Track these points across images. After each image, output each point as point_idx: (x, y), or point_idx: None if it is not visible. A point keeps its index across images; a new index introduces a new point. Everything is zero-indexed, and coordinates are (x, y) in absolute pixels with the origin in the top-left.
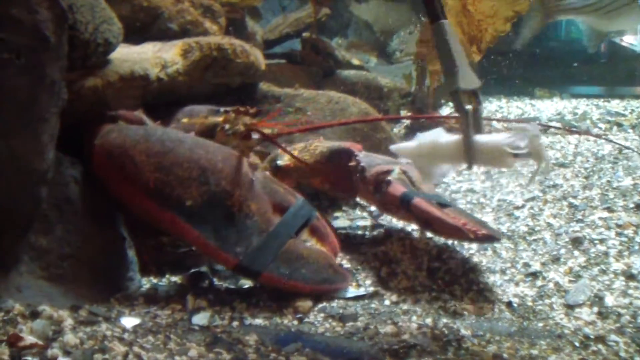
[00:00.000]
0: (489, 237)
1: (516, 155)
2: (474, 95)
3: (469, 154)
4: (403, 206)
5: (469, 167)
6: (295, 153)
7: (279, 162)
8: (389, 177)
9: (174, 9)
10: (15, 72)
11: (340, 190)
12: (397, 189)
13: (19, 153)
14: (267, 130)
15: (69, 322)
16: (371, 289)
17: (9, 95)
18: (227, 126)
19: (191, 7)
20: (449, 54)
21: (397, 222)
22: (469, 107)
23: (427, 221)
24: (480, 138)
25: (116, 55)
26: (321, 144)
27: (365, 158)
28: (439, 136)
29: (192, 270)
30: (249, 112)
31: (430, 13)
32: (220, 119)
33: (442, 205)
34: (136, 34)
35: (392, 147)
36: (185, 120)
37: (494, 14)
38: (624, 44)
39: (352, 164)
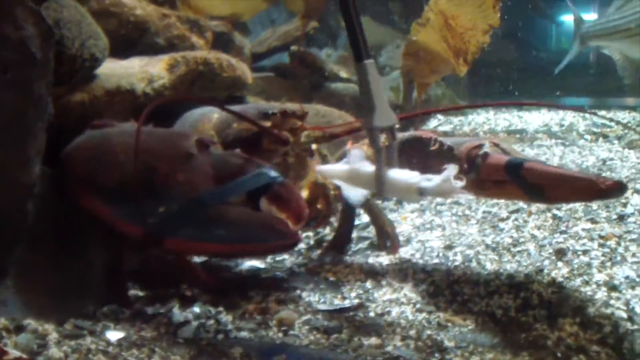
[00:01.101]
0: (619, 186)
1: (422, 194)
2: (389, 132)
3: (380, 186)
4: (510, 175)
5: (380, 196)
6: (364, 148)
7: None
8: (484, 150)
9: (160, 23)
10: (1, 88)
11: None
12: (499, 158)
13: (5, 167)
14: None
15: (53, 335)
16: (356, 301)
17: None
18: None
19: (178, 22)
20: (369, 92)
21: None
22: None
23: (542, 187)
24: (393, 173)
25: (103, 70)
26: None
27: (448, 140)
28: (363, 164)
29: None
30: (297, 114)
31: (355, 53)
32: (267, 123)
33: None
34: (123, 48)
35: (321, 168)
36: (235, 125)
37: (473, 26)
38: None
39: (435, 147)
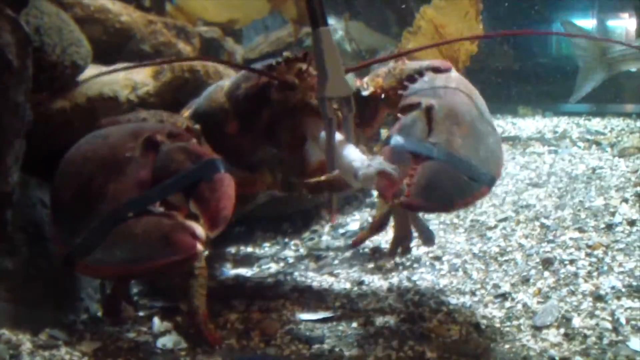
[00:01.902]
0: (415, 206)
1: (356, 179)
2: (345, 103)
3: (329, 159)
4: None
5: (329, 171)
6: (380, 81)
7: (364, 93)
8: (402, 115)
9: (146, 30)
10: None
11: None
12: (392, 132)
13: None
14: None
15: (27, 346)
16: (340, 310)
17: None
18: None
19: (164, 29)
20: (321, 61)
21: (369, 243)
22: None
23: None
24: (343, 148)
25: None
26: (406, 66)
27: (419, 85)
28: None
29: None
30: (299, 57)
31: (310, 20)
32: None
33: (426, 157)
34: (108, 54)
35: None
36: (243, 85)
37: (460, 35)
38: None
39: (401, 91)
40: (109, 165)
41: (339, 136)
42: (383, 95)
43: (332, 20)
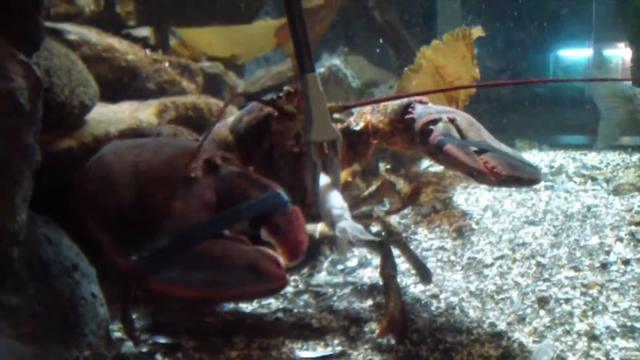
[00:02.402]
0: (513, 178)
1: (333, 228)
2: (331, 147)
3: (314, 201)
4: (438, 151)
5: (314, 211)
6: (369, 117)
7: (355, 128)
8: (433, 127)
9: (151, 68)
10: None
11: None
12: (436, 137)
13: None
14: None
15: None
16: (338, 348)
17: None
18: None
19: (169, 67)
20: (308, 106)
21: (367, 279)
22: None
23: (457, 165)
24: (327, 192)
25: (92, 115)
26: (391, 102)
27: (422, 109)
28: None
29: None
30: (298, 91)
31: (298, 65)
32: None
33: (483, 150)
34: (114, 92)
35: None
36: (245, 118)
37: (459, 76)
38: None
39: (408, 117)
40: (172, 182)
41: (325, 179)
42: (372, 130)
43: (336, 60)
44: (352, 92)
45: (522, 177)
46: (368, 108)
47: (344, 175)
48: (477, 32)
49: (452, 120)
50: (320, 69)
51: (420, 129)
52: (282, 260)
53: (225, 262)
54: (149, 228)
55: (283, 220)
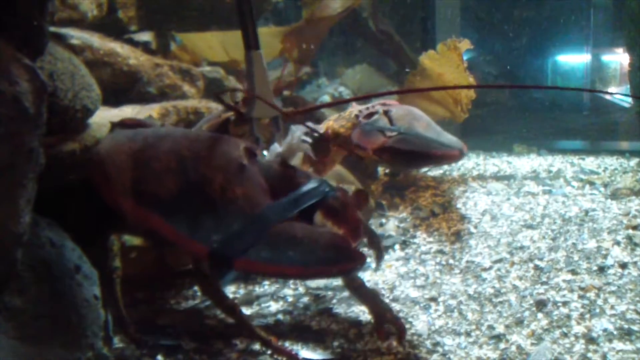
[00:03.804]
0: (394, 150)
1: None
2: (274, 123)
3: None
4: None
5: None
6: (331, 123)
7: (316, 134)
8: (365, 120)
9: (153, 72)
10: None
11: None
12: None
13: None
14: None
15: None
16: (338, 351)
17: None
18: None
19: (170, 71)
20: (251, 83)
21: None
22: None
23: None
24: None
25: (95, 119)
26: (355, 108)
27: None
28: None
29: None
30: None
31: (244, 42)
32: (231, 113)
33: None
34: (116, 96)
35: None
36: (205, 127)
37: (458, 83)
38: (607, 97)
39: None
40: (225, 168)
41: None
42: (332, 135)
43: (341, 87)
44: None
45: (407, 149)
46: (334, 116)
47: None
48: (465, 45)
49: (386, 112)
50: (325, 96)
51: (358, 124)
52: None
53: (311, 241)
54: (216, 213)
55: (337, 203)
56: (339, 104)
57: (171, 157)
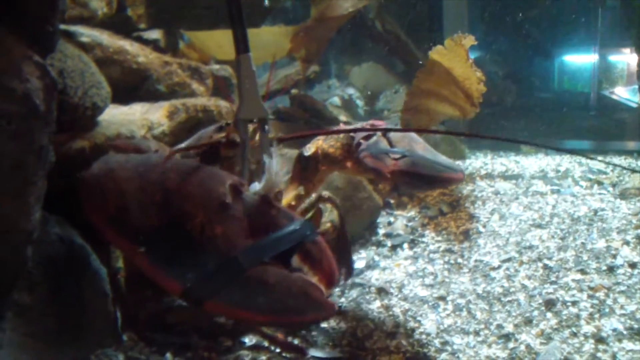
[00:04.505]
0: (409, 174)
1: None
2: (260, 125)
3: (243, 173)
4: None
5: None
6: (321, 142)
7: (306, 153)
8: (364, 141)
9: (162, 71)
10: (5, 138)
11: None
12: (362, 148)
13: (6, 214)
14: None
15: None
16: (347, 349)
17: None
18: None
19: (179, 69)
20: (239, 85)
21: (375, 281)
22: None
23: (367, 171)
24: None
25: (104, 117)
26: (343, 128)
27: (365, 131)
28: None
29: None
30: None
31: (235, 46)
32: (222, 134)
33: (404, 156)
34: (125, 94)
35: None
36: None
37: (468, 77)
38: (614, 97)
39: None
40: (209, 206)
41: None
42: (322, 155)
43: (351, 90)
44: (358, 117)
45: (419, 172)
46: (322, 136)
47: (288, 198)
48: (469, 41)
49: (385, 134)
50: (334, 97)
51: (356, 145)
52: (324, 288)
53: (282, 289)
54: (194, 251)
55: (315, 248)
56: (331, 133)
57: (157, 189)
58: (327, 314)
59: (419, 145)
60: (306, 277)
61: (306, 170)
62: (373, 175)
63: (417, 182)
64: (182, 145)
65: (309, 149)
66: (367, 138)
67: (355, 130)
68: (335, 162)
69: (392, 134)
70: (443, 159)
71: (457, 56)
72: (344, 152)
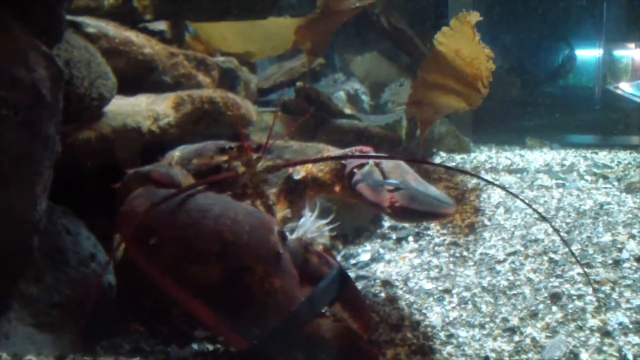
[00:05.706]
0: (408, 210)
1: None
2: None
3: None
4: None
5: None
6: (310, 167)
7: (295, 177)
8: (357, 170)
9: (168, 62)
10: (12, 128)
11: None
12: (357, 179)
13: (13, 204)
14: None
15: None
16: None
17: (5, 149)
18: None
19: (185, 61)
20: None
21: (380, 274)
22: None
23: (365, 201)
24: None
25: (110, 108)
26: (333, 153)
27: (356, 158)
28: None
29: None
30: (252, 147)
31: None
32: (224, 157)
33: (398, 188)
34: (131, 85)
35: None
36: (195, 161)
37: (477, 56)
38: (619, 92)
39: (344, 164)
40: (265, 257)
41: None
42: (311, 179)
43: (357, 85)
44: (365, 111)
45: (417, 209)
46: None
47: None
48: (475, 17)
49: (377, 164)
50: (340, 92)
51: (348, 173)
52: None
53: (338, 344)
54: (255, 305)
55: (352, 296)
56: (323, 160)
57: (214, 239)
58: None
59: (410, 176)
60: (352, 327)
61: (293, 194)
62: (367, 205)
63: (414, 217)
64: (176, 152)
65: (299, 173)
66: (359, 167)
67: (345, 158)
68: (323, 186)
69: (384, 165)
70: (433, 190)
71: (464, 35)
72: (332, 177)
